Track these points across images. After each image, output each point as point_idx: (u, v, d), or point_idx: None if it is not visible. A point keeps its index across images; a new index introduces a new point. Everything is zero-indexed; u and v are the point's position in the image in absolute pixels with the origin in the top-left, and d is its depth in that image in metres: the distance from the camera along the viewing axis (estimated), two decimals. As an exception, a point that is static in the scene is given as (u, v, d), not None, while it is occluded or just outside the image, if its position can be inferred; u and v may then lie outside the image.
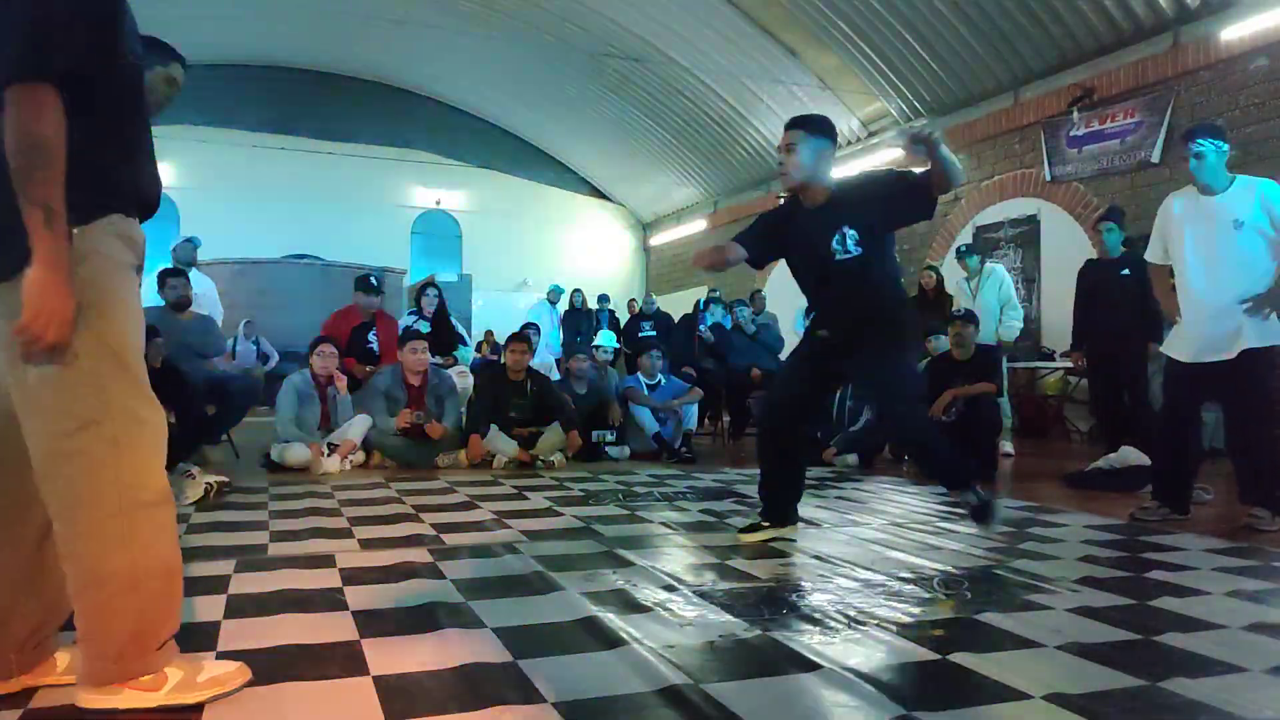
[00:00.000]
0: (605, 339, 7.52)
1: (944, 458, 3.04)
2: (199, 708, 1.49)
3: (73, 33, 1.38)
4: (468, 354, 6.93)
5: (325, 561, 2.64)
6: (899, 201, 2.98)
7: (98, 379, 1.43)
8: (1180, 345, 3.65)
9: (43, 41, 1.35)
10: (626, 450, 6.13)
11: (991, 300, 6.68)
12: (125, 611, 1.45)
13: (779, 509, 3.20)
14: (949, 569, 2.63)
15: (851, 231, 2.96)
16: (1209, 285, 3.55)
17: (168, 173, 14.09)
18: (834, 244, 2.99)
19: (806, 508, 3.85)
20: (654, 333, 9.08)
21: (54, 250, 1.34)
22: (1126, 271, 5.28)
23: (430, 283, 7.18)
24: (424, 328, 6.37)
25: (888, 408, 3.27)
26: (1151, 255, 3.85)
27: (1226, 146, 3.60)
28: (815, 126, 3.03)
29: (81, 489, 1.43)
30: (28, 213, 1.33)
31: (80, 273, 1.40)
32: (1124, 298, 5.22)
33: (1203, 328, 3.55)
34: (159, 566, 1.49)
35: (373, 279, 6.35)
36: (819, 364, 3.20)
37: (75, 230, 1.40)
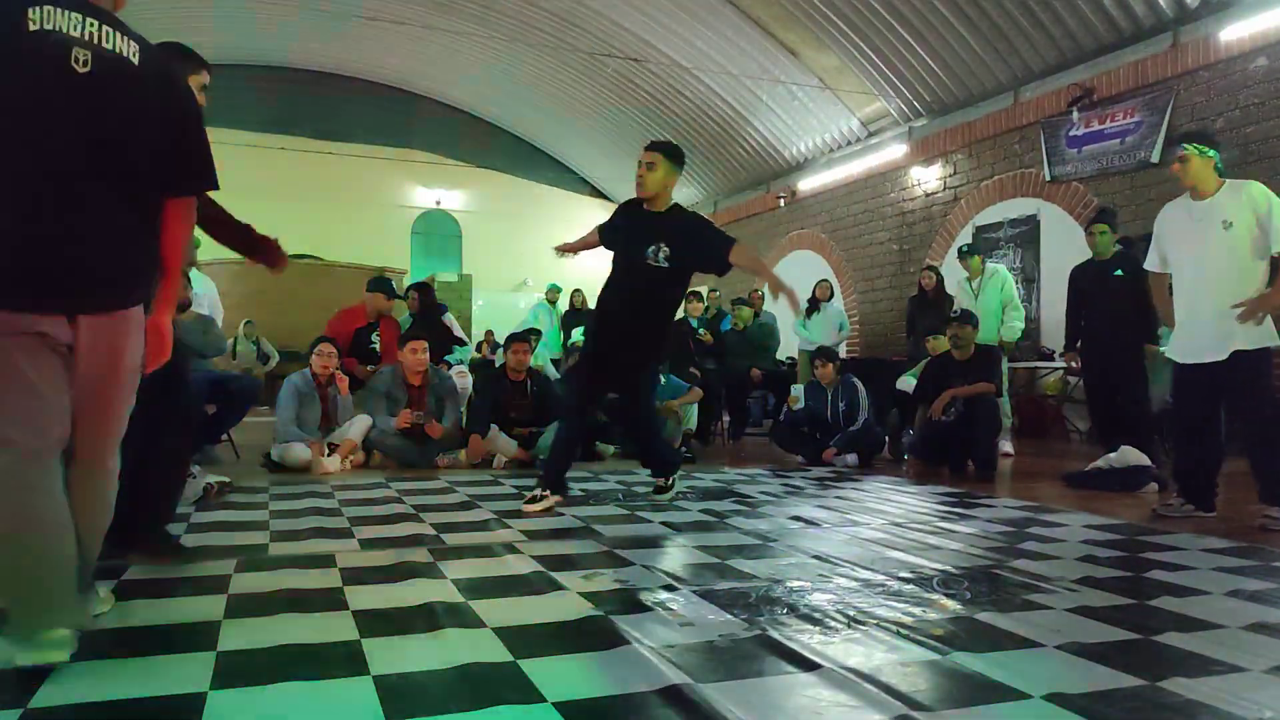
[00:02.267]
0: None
1: None
2: (200, 704, 1.50)
3: None
4: (466, 353, 6.93)
5: (326, 561, 2.64)
6: None
7: None
8: (1177, 348, 3.77)
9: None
10: (611, 449, 6.13)
11: (993, 300, 6.68)
12: None
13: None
14: (949, 569, 2.63)
15: None
16: (1200, 287, 3.65)
17: (168, 173, 14.11)
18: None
19: (807, 508, 3.86)
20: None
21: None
22: (1119, 272, 5.28)
23: (412, 284, 7.22)
24: (415, 327, 6.39)
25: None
26: (1149, 264, 3.97)
27: (1213, 152, 3.68)
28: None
29: None
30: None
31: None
32: (1117, 298, 5.23)
33: (1196, 329, 3.65)
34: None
35: (392, 284, 6.34)
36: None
37: None
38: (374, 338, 6.17)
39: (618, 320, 3.82)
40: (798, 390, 6.04)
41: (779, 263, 13.09)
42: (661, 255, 3.65)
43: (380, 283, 6.27)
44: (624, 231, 3.87)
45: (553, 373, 8.23)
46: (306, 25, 13.25)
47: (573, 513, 3.65)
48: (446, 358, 6.58)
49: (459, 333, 7.07)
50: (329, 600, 2.20)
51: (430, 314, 6.76)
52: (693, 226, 3.81)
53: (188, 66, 2.46)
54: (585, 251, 4.15)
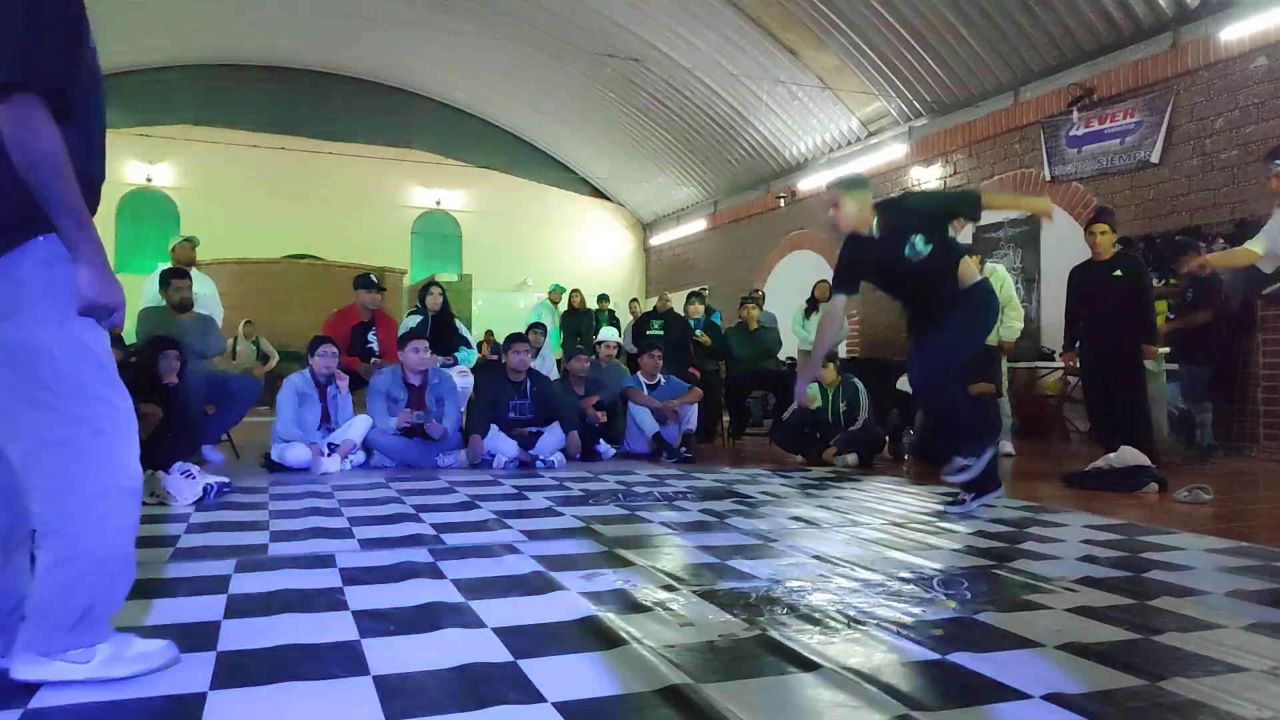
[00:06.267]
0: (607, 333, 7.64)
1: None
2: (200, 704, 1.50)
3: (55, 44, 1.46)
4: (470, 356, 6.93)
5: (325, 561, 2.64)
6: None
7: (76, 375, 1.54)
8: None
9: (29, 55, 1.42)
10: (611, 450, 6.13)
11: (992, 300, 6.67)
12: (87, 588, 1.57)
13: None
14: (949, 569, 2.63)
15: None
16: None
17: (168, 173, 14.11)
18: None
19: (806, 507, 3.86)
20: (662, 332, 9.04)
21: (94, 249, 1.51)
22: (1119, 272, 5.28)
23: (434, 281, 7.21)
24: (427, 325, 6.39)
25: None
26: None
27: None
28: None
29: (69, 476, 1.54)
30: (60, 222, 1.47)
31: (56, 275, 1.52)
32: (1116, 299, 5.23)
33: None
34: (122, 549, 1.62)
35: (372, 277, 6.36)
36: None
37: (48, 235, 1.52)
38: (370, 336, 6.18)
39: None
40: (814, 390, 6.02)
41: (779, 263, 13.09)
42: (920, 244, 3.68)
43: (364, 280, 6.29)
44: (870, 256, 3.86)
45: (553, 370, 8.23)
46: (306, 25, 13.25)
47: (573, 513, 3.65)
48: (455, 353, 6.60)
49: (466, 334, 7.10)
50: (329, 600, 2.20)
51: (448, 313, 6.80)
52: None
53: None
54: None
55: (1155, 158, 7.49)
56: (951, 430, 3.82)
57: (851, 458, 5.78)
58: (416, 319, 6.58)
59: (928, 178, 10.19)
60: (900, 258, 3.69)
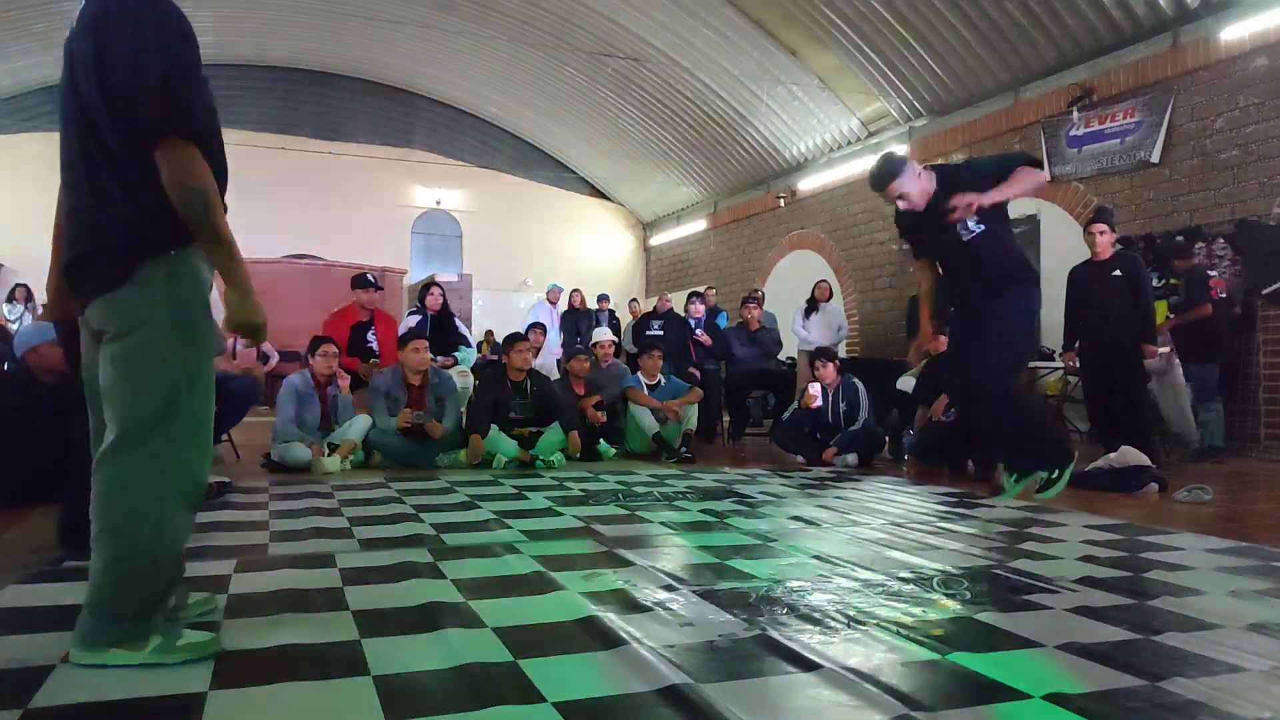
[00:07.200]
0: (600, 333, 7.65)
1: None
2: (200, 704, 1.50)
3: (198, 94, 1.68)
4: (470, 355, 6.93)
5: (325, 561, 2.64)
6: None
7: (175, 383, 1.69)
8: None
9: (181, 106, 1.63)
10: (611, 450, 6.13)
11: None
12: (142, 584, 1.68)
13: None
14: (949, 569, 2.64)
15: None
16: None
17: (168, 173, 14.09)
18: None
19: (807, 507, 3.86)
20: (662, 332, 9.05)
21: (243, 274, 1.70)
22: (1118, 272, 5.28)
23: (434, 281, 7.20)
24: (426, 324, 6.40)
25: None
26: None
27: None
28: None
29: (139, 475, 1.66)
30: (211, 250, 1.68)
31: (180, 290, 1.69)
32: (1116, 298, 5.24)
33: None
34: (176, 549, 1.74)
35: (369, 276, 6.37)
36: None
37: (174, 252, 1.69)
38: (370, 335, 6.18)
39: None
40: (816, 388, 6.02)
41: (779, 262, 13.09)
42: (972, 223, 3.45)
43: (361, 279, 6.31)
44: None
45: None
46: (306, 25, 13.25)
47: (573, 513, 3.65)
48: (455, 353, 6.60)
49: (466, 333, 7.11)
50: (329, 600, 2.20)
51: (448, 312, 6.80)
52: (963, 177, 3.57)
53: None
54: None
55: (1155, 158, 7.49)
56: (1017, 439, 3.49)
57: (851, 458, 5.78)
58: (416, 319, 6.58)
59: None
60: (952, 231, 3.45)
